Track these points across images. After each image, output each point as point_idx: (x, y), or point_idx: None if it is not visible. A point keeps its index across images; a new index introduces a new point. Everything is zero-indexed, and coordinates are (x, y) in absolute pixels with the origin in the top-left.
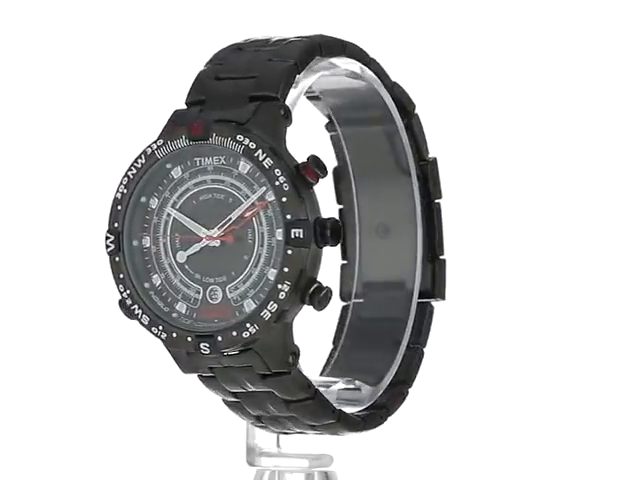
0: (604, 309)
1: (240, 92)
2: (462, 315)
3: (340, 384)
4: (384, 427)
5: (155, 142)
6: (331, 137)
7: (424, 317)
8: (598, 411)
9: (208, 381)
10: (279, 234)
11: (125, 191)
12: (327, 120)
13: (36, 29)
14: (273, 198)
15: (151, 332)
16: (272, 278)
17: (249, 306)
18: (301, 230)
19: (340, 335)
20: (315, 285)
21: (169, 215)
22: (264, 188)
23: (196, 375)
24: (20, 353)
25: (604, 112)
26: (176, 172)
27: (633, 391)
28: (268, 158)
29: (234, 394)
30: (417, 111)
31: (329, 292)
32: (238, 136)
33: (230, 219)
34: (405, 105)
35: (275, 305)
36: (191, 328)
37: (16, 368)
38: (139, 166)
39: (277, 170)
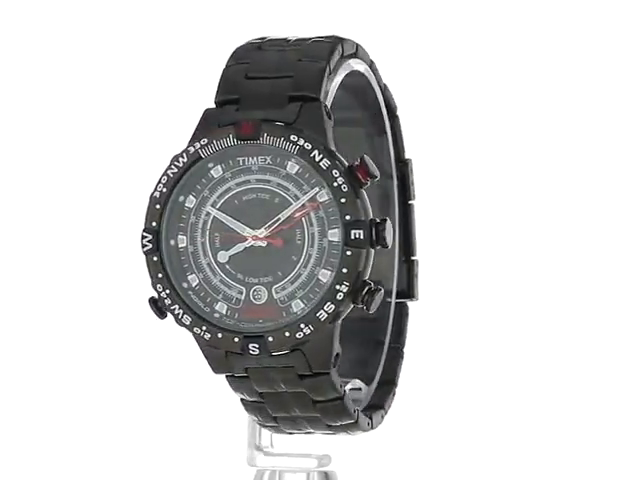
0: (582, 306)
1: (278, 92)
2: (436, 315)
3: (349, 385)
4: (384, 427)
5: (199, 141)
6: None
7: (402, 317)
8: (582, 407)
9: (238, 381)
10: (332, 235)
11: (164, 190)
12: None
13: (38, 28)
14: (325, 199)
15: (193, 332)
16: (324, 279)
17: (297, 306)
18: (361, 231)
19: None
20: (368, 286)
21: (208, 214)
22: (317, 189)
23: (224, 375)
24: (20, 353)
25: (589, 115)
26: (216, 171)
27: (618, 388)
28: (325, 159)
29: (260, 394)
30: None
31: (381, 293)
32: (292, 136)
33: (279, 219)
34: (392, 107)
35: (332, 306)
36: (236, 329)
37: (16, 368)
38: (180, 165)
39: (335, 171)
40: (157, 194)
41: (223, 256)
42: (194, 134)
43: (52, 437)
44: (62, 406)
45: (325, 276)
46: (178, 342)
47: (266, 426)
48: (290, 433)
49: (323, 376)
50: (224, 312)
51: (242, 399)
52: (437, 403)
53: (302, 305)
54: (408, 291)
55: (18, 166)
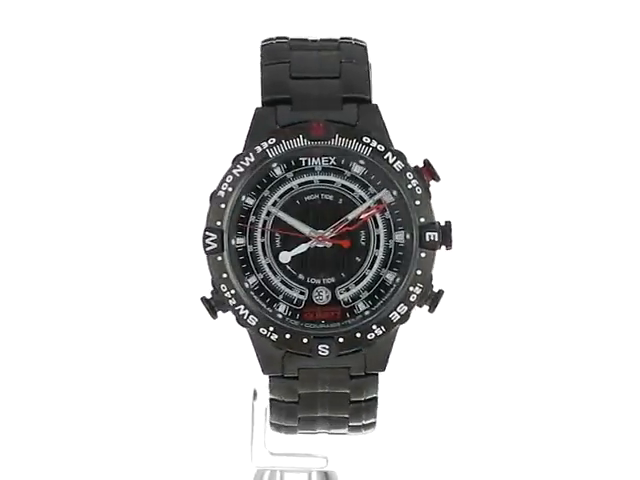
0: (581, 306)
1: (331, 93)
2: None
3: None
4: (385, 427)
5: (266, 141)
6: None
7: None
8: (586, 409)
9: (283, 381)
10: (398, 237)
11: (230, 189)
12: None
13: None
14: (392, 200)
15: (259, 333)
16: (390, 280)
17: (362, 307)
18: (435, 233)
19: None
20: (433, 288)
21: (269, 214)
22: (385, 190)
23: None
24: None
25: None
26: (278, 171)
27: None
28: (399, 161)
29: (299, 395)
30: None
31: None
32: (364, 138)
33: (346, 220)
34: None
35: (405, 308)
36: (303, 329)
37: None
38: (247, 165)
39: (409, 173)
40: (222, 193)
41: (285, 256)
42: (251, 133)
43: (53, 438)
44: (65, 406)
45: (390, 277)
46: (179, 342)
47: (283, 427)
48: (302, 433)
49: (373, 376)
50: (285, 313)
51: (273, 399)
52: (438, 403)
53: (366, 306)
54: None
55: (32, 166)
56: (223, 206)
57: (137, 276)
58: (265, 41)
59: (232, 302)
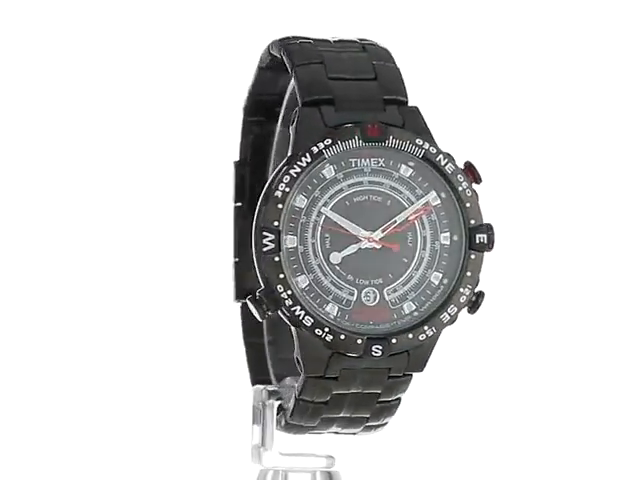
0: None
1: (371, 94)
2: None
3: None
4: (387, 427)
5: (322, 141)
6: (260, 134)
7: None
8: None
9: (321, 382)
10: (444, 238)
11: (287, 189)
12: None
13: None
14: (438, 202)
15: (313, 334)
16: (435, 281)
17: (409, 308)
18: (484, 235)
19: (256, 333)
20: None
21: (320, 215)
22: (433, 192)
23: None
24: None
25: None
26: (328, 172)
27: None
28: (450, 163)
29: (333, 395)
30: None
31: None
32: (417, 140)
33: (395, 222)
34: None
35: (455, 308)
36: (356, 330)
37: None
38: (304, 165)
39: (459, 176)
40: (279, 193)
41: (336, 257)
42: (298, 133)
43: (54, 438)
44: (68, 406)
45: (437, 279)
46: (180, 343)
47: (300, 427)
48: (312, 434)
49: (408, 377)
50: (335, 314)
51: (301, 400)
52: (441, 404)
53: (413, 307)
54: None
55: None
56: (280, 206)
57: (134, 276)
58: (285, 41)
59: (288, 303)
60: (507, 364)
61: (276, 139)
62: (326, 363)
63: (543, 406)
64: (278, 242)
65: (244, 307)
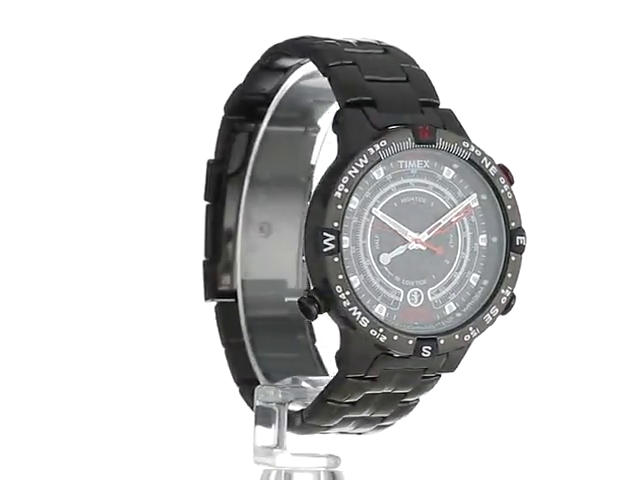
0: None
1: (409, 96)
2: None
3: None
4: (391, 428)
5: (378, 142)
6: (240, 133)
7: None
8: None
9: (357, 382)
10: (482, 240)
11: (346, 190)
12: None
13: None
14: (477, 204)
15: (368, 335)
16: (474, 282)
17: (450, 309)
18: (524, 237)
19: (233, 333)
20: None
21: (370, 216)
22: (474, 195)
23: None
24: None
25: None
26: (378, 173)
27: None
28: (493, 166)
29: (364, 395)
30: None
31: None
32: (464, 142)
33: (440, 223)
34: None
35: (496, 310)
36: (407, 331)
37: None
38: (361, 166)
39: (501, 178)
40: (339, 194)
41: (385, 258)
42: (347, 134)
43: (54, 438)
44: (72, 406)
45: (475, 280)
46: (183, 343)
47: (317, 427)
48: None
49: (438, 377)
50: (384, 314)
51: (330, 400)
52: (443, 405)
53: (454, 308)
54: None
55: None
56: (340, 207)
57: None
58: (306, 40)
59: (346, 303)
60: (508, 365)
61: (260, 139)
62: (370, 363)
63: (550, 408)
64: (338, 243)
65: (219, 307)
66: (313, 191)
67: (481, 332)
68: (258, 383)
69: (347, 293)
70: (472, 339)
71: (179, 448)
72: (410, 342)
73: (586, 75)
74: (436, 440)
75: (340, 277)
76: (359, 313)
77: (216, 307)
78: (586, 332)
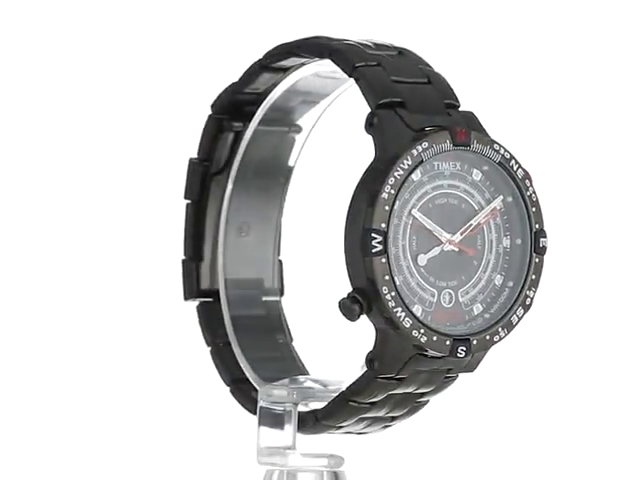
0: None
1: (435, 98)
2: None
3: None
4: (393, 428)
5: (420, 144)
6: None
7: (280, 314)
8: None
9: (385, 383)
10: (505, 241)
11: (392, 192)
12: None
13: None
14: (501, 206)
15: (410, 335)
16: (498, 283)
17: (477, 310)
18: (546, 239)
19: (218, 333)
20: None
21: (409, 217)
22: (501, 197)
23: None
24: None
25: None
26: (416, 175)
27: None
28: (520, 168)
29: (387, 395)
30: None
31: None
32: (495, 145)
33: (471, 225)
34: None
35: (522, 310)
36: (445, 331)
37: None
38: (405, 167)
39: (527, 181)
40: (386, 195)
41: (422, 259)
42: (385, 135)
43: (59, 438)
44: (77, 407)
45: (499, 281)
46: (186, 344)
47: (330, 427)
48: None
49: (456, 377)
50: (419, 315)
51: (352, 400)
52: (447, 405)
53: (482, 309)
54: (281, 289)
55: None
56: (387, 208)
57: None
58: (323, 40)
59: (391, 304)
60: (509, 366)
61: (249, 138)
62: (404, 364)
63: (550, 409)
64: (385, 244)
65: (202, 307)
66: (354, 192)
67: (509, 332)
68: (249, 382)
69: (392, 294)
70: (500, 339)
71: (167, 449)
72: (447, 343)
73: (586, 76)
74: (438, 440)
75: (386, 278)
76: (403, 314)
77: (198, 307)
78: (585, 332)
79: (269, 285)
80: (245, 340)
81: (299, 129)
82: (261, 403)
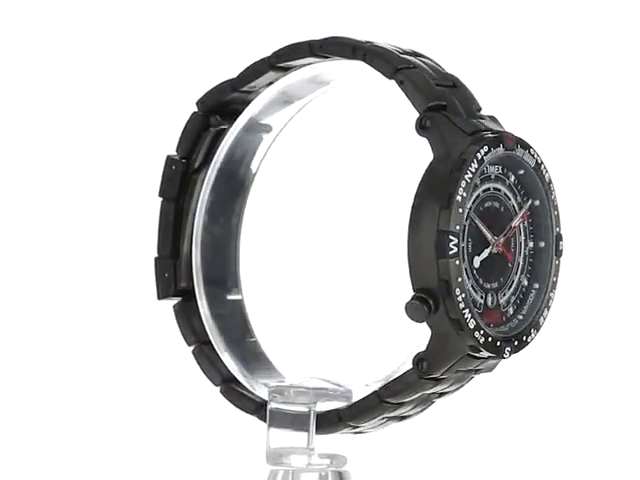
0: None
1: (467, 101)
2: None
3: None
4: (396, 428)
5: (482, 148)
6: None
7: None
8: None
9: (428, 382)
10: (531, 244)
11: (464, 195)
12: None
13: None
14: (527, 209)
15: (472, 336)
16: (525, 285)
17: (510, 312)
18: (563, 243)
19: (200, 333)
20: None
21: (468, 219)
22: (531, 200)
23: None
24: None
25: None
26: (468, 177)
27: None
28: (547, 172)
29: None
30: None
31: None
32: (531, 150)
33: (510, 227)
34: None
35: (547, 312)
36: (495, 333)
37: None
38: (473, 170)
39: (552, 185)
40: (459, 198)
41: (476, 261)
42: (444, 138)
43: (70, 438)
44: (84, 407)
45: (525, 283)
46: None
47: (350, 427)
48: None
49: (472, 378)
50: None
51: (386, 402)
52: (449, 406)
53: (514, 310)
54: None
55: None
56: (461, 211)
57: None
58: (355, 41)
59: (461, 306)
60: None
61: (233, 138)
62: (451, 364)
63: (551, 410)
64: (459, 246)
65: (181, 306)
66: (419, 193)
67: (537, 333)
68: (238, 382)
69: (463, 295)
70: (532, 340)
71: (166, 449)
72: (498, 344)
73: (586, 78)
74: (440, 440)
75: (459, 280)
76: (469, 315)
77: (176, 306)
78: (586, 332)
79: (231, 284)
80: (224, 340)
81: (270, 128)
82: (272, 405)
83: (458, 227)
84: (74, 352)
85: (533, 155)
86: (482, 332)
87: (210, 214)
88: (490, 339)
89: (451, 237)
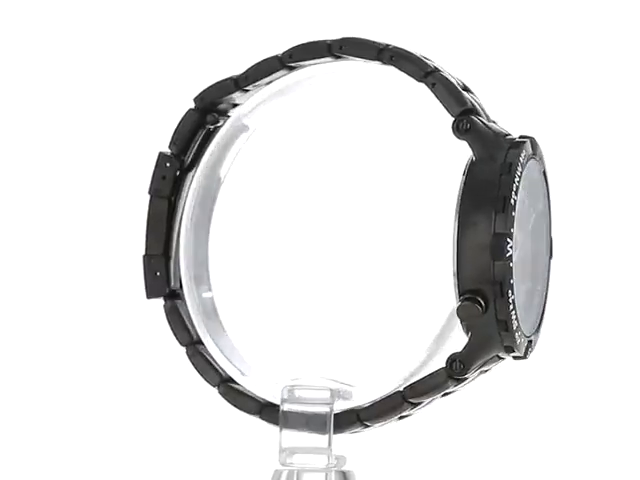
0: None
1: (481, 106)
2: None
3: None
4: (399, 428)
5: (521, 152)
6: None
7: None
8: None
9: (453, 382)
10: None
11: (516, 198)
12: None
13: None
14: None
15: (514, 337)
16: (529, 287)
17: (524, 312)
18: (553, 246)
19: (193, 333)
20: None
21: None
22: (539, 203)
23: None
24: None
25: None
26: (517, 180)
27: None
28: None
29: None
30: None
31: None
32: (542, 154)
33: (530, 228)
34: None
35: (546, 312)
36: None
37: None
38: (519, 174)
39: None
40: (513, 201)
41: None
42: (485, 142)
43: (75, 437)
44: (90, 408)
45: (530, 284)
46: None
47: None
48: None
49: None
50: None
51: (411, 402)
52: (451, 406)
53: (524, 311)
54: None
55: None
56: (514, 214)
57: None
58: (377, 44)
59: (511, 307)
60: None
61: (227, 136)
62: (481, 365)
63: (552, 411)
64: (512, 248)
65: (171, 305)
66: (465, 195)
67: (539, 334)
68: (235, 382)
69: (512, 297)
70: (538, 339)
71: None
72: (526, 344)
73: (586, 80)
74: (442, 439)
75: (512, 281)
76: (515, 316)
77: (166, 306)
78: (585, 332)
79: (204, 282)
80: (212, 339)
81: (246, 128)
82: (285, 406)
83: (512, 230)
84: (74, 352)
85: (542, 159)
86: (519, 333)
87: (197, 213)
88: (523, 340)
89: (508, 240)
